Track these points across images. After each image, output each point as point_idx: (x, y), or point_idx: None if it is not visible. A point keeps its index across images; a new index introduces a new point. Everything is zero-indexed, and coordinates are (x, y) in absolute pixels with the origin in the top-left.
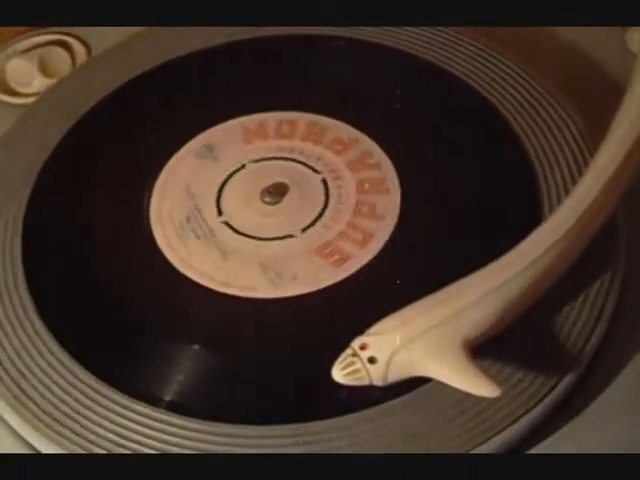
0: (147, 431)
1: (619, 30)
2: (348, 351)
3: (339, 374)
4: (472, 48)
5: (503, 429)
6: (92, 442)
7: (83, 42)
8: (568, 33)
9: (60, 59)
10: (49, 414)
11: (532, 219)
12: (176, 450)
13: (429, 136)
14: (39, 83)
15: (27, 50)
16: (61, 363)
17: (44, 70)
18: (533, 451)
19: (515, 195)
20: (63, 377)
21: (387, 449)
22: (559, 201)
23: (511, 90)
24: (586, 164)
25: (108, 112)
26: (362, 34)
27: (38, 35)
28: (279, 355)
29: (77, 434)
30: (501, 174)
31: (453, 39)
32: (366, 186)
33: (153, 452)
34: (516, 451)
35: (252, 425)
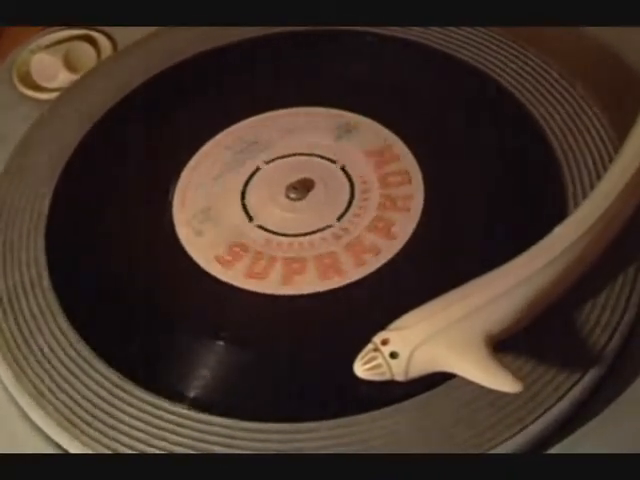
0: (174, 428)
1: None
2: (370, 346)
3: (360, 369)
4: (497, 42)
5: (524, 428)
6: (118, 441)
7: (109, 37)
8: (594, 31)
9: (86, 54)
10: (75, 413)
11: (557, 214)
12: (201, 447)
13: (454, 132)
14: (64, 78)
15: (52, 45)
16: (86, 361)
17: (69, 65)
18: (555, 450)
19: (540, 190)
20: (89, 375)
21: (403, 449)
22: (584, 196)
23: (537, 86)
24: (611, 159)
25: (133, 108)
26: (389, 31)
27: (63, 30)
28: (299, 351)
29: (103, 433)
30: (526, 169)
31: (479, 35)
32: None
33: (179, 451)
34: (537, 449)
35: (271, 422)
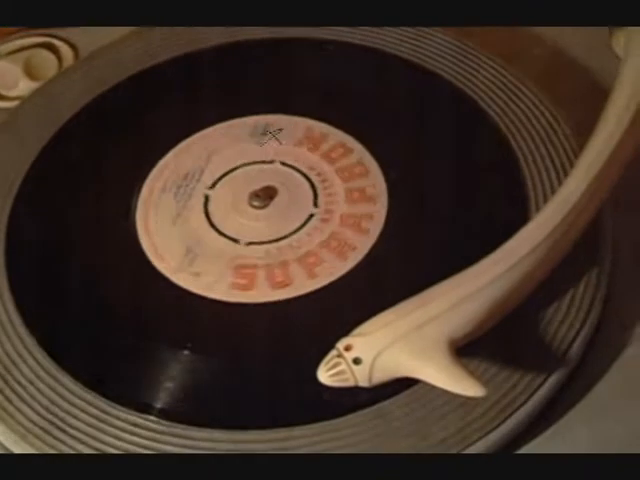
0: (127, 436)
1: (604, 30)
2: (333, 352)
3: (324, 375)
4: (458, 50)
5: (491, 430)
6: (70, 446)
7: (70, 45)
8: (552, 33)
9: (47, 62)
10: (31, 420)
11: (519, 219)
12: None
13: (419, 143)
14: (24, 86)
15: (12, 52)
16: (43, 369)
17: (30, 73)
18: (524, 450)
19: (502, 195)
20: (46, 383)
21: (375, 450)
22: (546, 200)
23: (498, 92)
24: (572, 164)
25: (93, 116)
26: (358, 39)
27: (24, 37)
28: (263, 359)
29: (52, 436)
30: (488, 175)
31: (439, 40)
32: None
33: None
34: (504, 451)
35: (240, 430)
